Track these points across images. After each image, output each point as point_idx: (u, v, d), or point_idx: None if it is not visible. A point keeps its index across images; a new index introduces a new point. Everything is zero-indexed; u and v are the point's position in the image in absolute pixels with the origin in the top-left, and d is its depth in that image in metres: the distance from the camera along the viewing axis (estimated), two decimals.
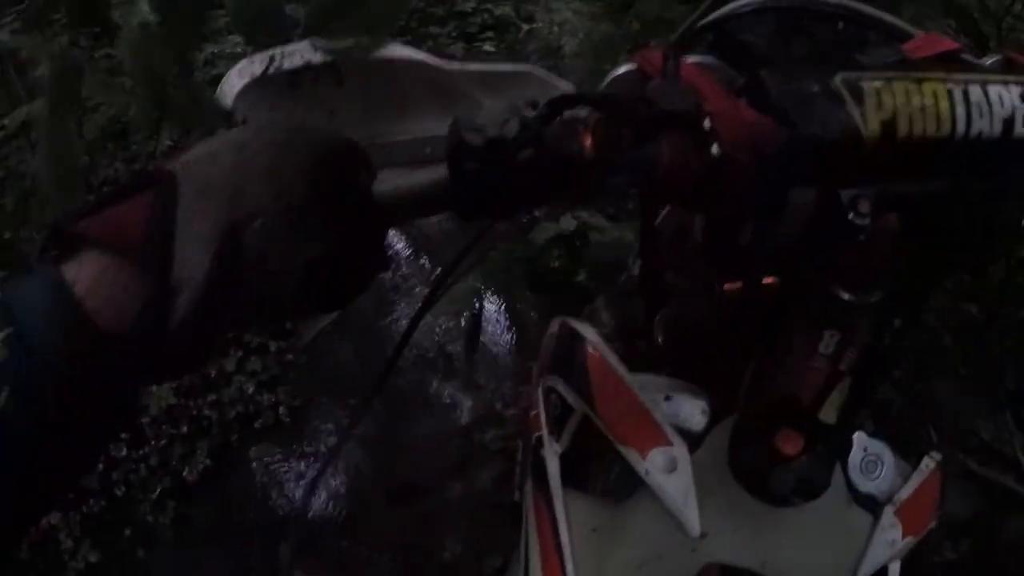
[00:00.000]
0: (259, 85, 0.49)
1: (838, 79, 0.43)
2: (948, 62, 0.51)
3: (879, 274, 0.51)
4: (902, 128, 0.43)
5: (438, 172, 0.41)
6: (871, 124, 0.43)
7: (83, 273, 0.32)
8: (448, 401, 2.30)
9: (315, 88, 0.50)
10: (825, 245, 0.47)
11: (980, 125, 0.45)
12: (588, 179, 0.42)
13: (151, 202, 0.34)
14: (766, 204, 0.44)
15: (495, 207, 0.42)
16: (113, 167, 3.60)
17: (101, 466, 2.29)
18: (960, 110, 0.44)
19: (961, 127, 0.44)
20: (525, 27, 5.21)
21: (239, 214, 0.35)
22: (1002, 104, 0.45)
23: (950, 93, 0.45)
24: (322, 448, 2.31)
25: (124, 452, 2.29)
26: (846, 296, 0.51)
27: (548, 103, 0.40)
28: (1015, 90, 0.46)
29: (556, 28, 4.64)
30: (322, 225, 0.37)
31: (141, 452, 2.30)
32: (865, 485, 0.60)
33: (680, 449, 0.57)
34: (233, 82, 0.49)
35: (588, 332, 0.63)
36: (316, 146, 0.39)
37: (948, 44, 0.52)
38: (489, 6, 5.15)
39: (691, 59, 0.47)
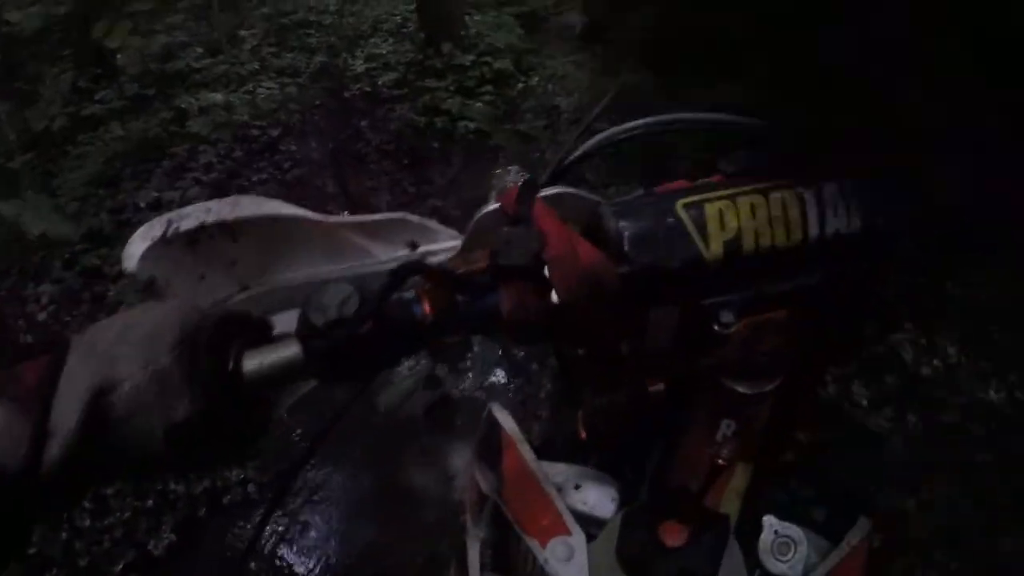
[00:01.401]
0: (161, 245, 0.51)
1: (679, 205, 0.45)
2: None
3: (771, 364, 0.52)
4: (747, 245, 0.45)
5: (295, 348, 0.43)
6: (713, 246, 0.44)
7: None
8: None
9: (213, 244, 0.53)
10: (695, 351, 0.49)
11: (836, 224, 0.45)
12: (433, 338, 0.45)
13: (44, 362, 0.40)
14: (623, 328, 0.47)
15: (348, 374, 0.44)
16: (99, 217, 3.61)
17: (64, 535, 2.25)
18: (812, 213, 0.45)
19: (814, 230, 0.45)
20: (523, 81, 5.25)
21: (111, 376, 0.40)
22: (861, 198, 0.46)
23: (800, 198, 0.45)
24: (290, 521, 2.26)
25: (88, 523, 2.24)
26: (740, 388, 0.52)
27: (389, 274, 0.43)
28: (877, 182, 0.46)
29: (551, 86, 4.67)
30: (186, 393, 0.41)
31: (106, 523, 2.24)
32: (777, 567, 0.59)
33: (578, 538, 0.57)
34: (137, 245, 0.50)
35: (507, 421, 0.65)
36: (187, 324, 0.42)
37: None
38: (488, 59, 5.20)
39: (548, 191, 0.49)
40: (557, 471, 0.63)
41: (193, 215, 0.51)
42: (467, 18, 5.71)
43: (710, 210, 0.45)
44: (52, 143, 4.77)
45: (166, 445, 0.40)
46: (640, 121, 0.55)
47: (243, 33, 5.49)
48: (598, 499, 0.62)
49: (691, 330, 0.47)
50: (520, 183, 0.49)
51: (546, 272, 0.43)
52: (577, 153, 0.55)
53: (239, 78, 4.76)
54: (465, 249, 0.51)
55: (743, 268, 0.46)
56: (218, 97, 4.42)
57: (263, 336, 0.47)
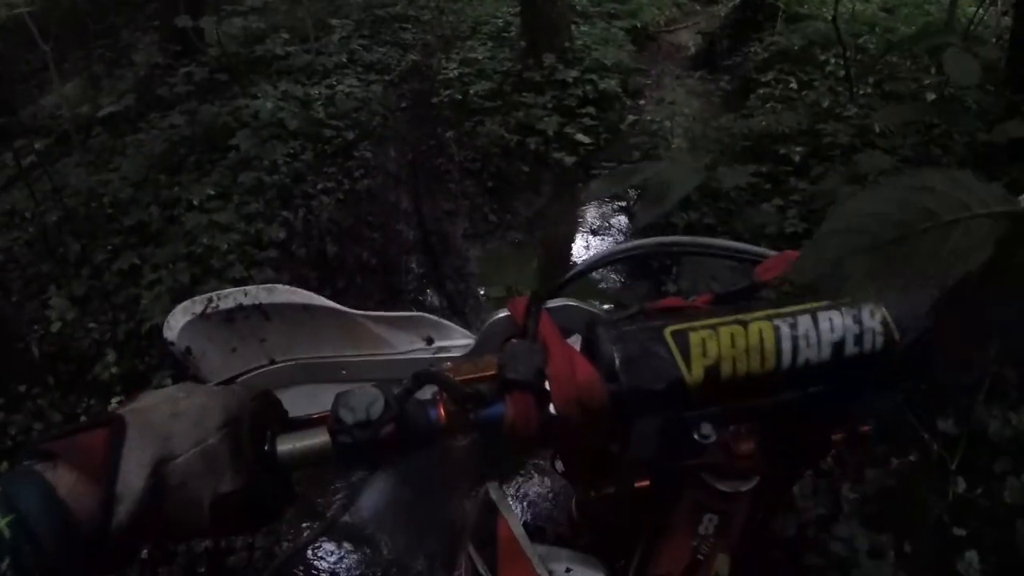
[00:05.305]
0: (200, 320, 0.60)
1: (667, 332, 0.50)
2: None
3: (750, 467, 0.57)
4: (725, 371, 0.50)
5: (324, 438, 0.50)
6: (695, 371, 0.50)
7: (60, 481, 0.43)
8: None
9: (247, 323, 0.62)
10: (678, 457, 0.54)
11: (807, 354, 0.51)
12: (445, 439, 0.51)
13: (106, 436, 0.45)
14: (610, 436, 0.53)
15: (367, 464, 0.52)
16: (149, 210, 3.27)
17: None
18: (786, 344, 0.50)
19: (787, 359, 0.50)
20: (629, 104, 4.75)
21: (166, 451, 0.46)
22: (832, 329, 0.51)
23: (776, 330, 0.50)
24: None
25: None
26: (721, 486, 0.58)
27: (409, 381, 0.50)
28: (848, 312, 0.51)
29: (666, 122, 4.13)
30: (230, 469, 0.48)
31: None
32: None
33: None
34: (177, 319, 0.59)
35: (503, 504, 0.67)
36: (230, 409, 0.50)
37: None
38: (593, 76, 4.70)
39: (553, 303, 0.58)
40: (551, 553, 0.66)
41: (232, 296, 0.60)
42: (574, 28, 5.23)
43: (694, 338, 0.50)
44: (125, 118, 4.52)
45: (211, 512, 0.47)
46: (642, 241, 0.63)
47: (334, 22, 5.14)
48: None
49: (673, 439, 0.52)
50: (529, 295, 0.55)
51: (547, 386, 0.49)
52: (580, 268, 0.64)
53: (323, 70, 4.40)
54: (476, 350, 0.60)
55: (720, 391, 0.50)
56: (297, 90, 4.06)
57: (285, 417, 0.54)
